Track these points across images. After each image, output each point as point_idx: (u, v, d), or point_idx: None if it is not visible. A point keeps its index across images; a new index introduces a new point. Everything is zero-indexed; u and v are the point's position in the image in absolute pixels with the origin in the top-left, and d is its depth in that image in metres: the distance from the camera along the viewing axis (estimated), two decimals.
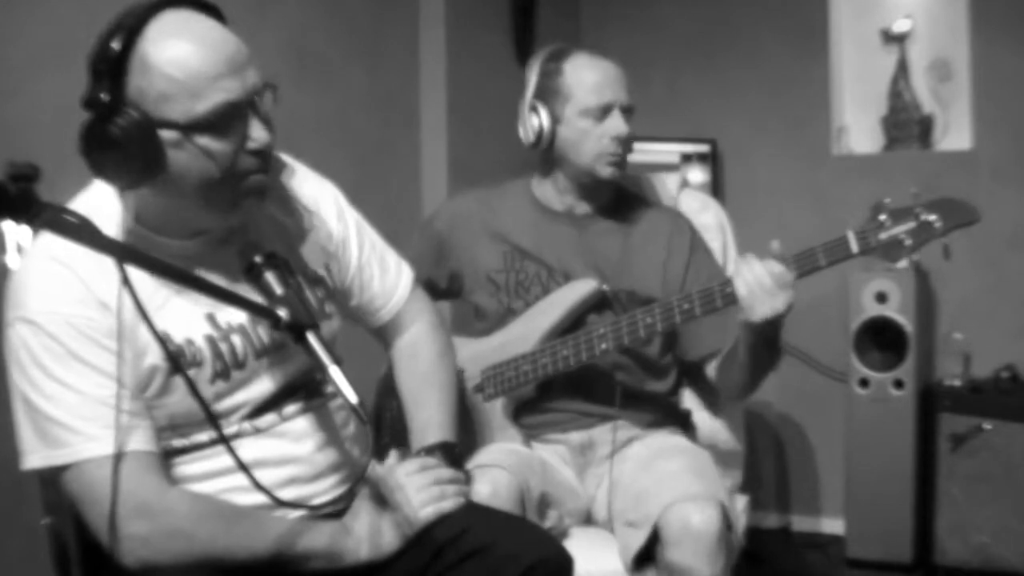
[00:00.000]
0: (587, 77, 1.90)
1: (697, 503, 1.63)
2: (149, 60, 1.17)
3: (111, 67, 1.16)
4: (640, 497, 1.73)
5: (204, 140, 1.19)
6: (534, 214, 2.01)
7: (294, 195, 1.46)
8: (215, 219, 1.29)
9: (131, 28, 1.17)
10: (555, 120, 1.92)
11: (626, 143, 1.91)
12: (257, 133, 1.22)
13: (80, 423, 1.19)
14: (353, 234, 1.53)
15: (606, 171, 1.92)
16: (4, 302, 1.25)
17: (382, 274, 1.58)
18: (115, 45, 1.16)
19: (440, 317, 1.69)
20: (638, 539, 1.67)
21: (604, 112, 1.89)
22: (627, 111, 1.91)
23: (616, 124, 1.89)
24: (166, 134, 1.17)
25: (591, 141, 1.90)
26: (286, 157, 1.49)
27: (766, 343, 1.73)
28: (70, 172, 1.27)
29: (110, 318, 1.21)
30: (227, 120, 1.19)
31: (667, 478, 1.73)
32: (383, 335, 1.65)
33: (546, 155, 1.97)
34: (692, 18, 3.69)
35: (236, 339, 1.32)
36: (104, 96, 1.16)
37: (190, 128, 1.18)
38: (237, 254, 1.31)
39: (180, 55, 1.17)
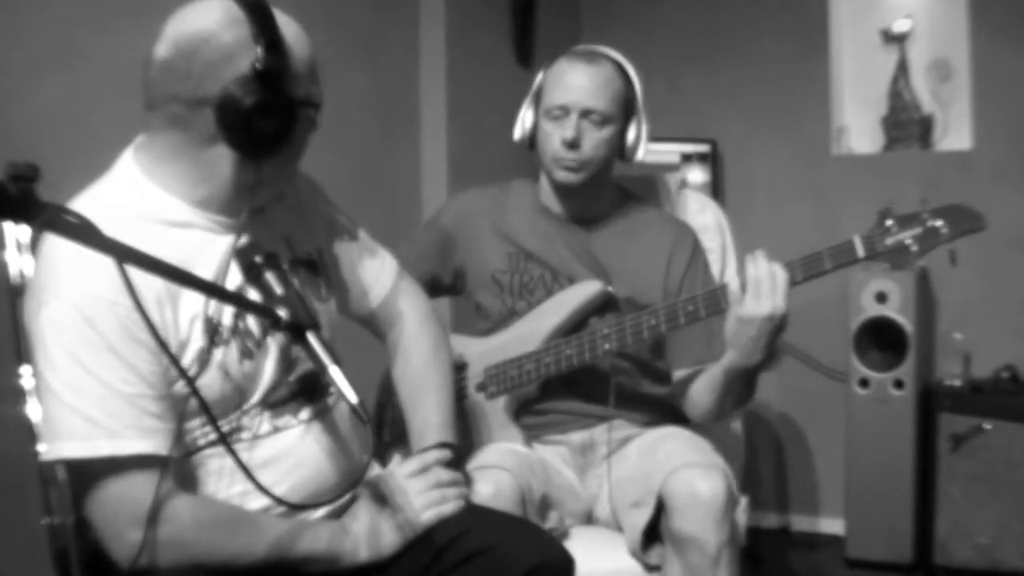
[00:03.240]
0: (556, 78, 1.91)
1: (701, 469, 1.64)
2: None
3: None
4: (643, 478, 1.73)
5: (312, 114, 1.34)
6: (540, 216, 2.01)
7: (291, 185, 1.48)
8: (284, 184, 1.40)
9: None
10: (535, 122, 1.94)
11: (575, 148, 1.87)
12: None
13: (102, 417, 1.17)
14: (331, 224, 1.54)
15: (558, 175, 1.91)
16: (31, 286, 1.23)
17: (364, 262, 1.59)
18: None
19: (431, 307, 1.69)
20: (644, 516, 1.67)
21: (562, 114, 1.88)
22: (588, 115, 1.87)
23: (562, 127, 1.87)
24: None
25: (547, 142, 1.91)
26: None
27: (750, 349, 1.69)
28: (70, 172, 1.27)
29: (152, 310, 1.18)
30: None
31: (668, 455, 1.73)
32: (373, 325, 1.65)
33: (533, 158, 1.99)
34: (692, 18, 3.69)
35: (251, 316, 1.32)
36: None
37: (313, 106, 1.34)
38: (237, 254, 1.31)
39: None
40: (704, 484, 1.61)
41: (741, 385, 1.79)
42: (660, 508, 1.66)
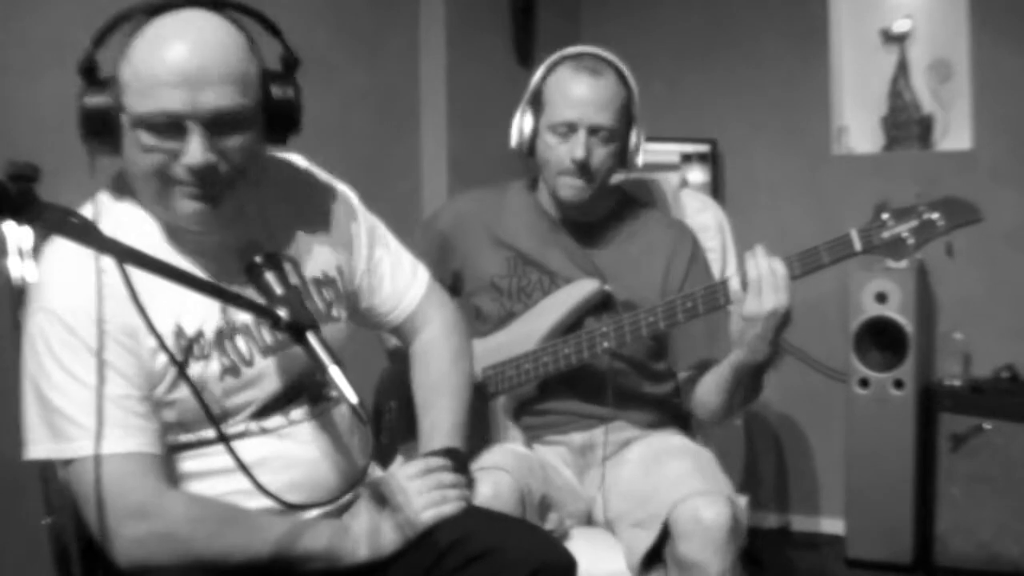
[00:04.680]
0: (560, 91, 1.86)
1: (707, 498, 1.63)
2: (130, 49, 1.21)
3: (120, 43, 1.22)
4: (646, 498, 1.72)
5: (144, 136, 1.21)
6: (537, 220, 2.00)
7: (305, 196, 1.46)
8: (172, 218, 1.29)
9: (146, 13, 1.22)
10: (535, 130, 1.90)
11: (584, 168, 1.85)
12: (194, 152, 1.21)
13: (88, 419, 1.19)
14: (363, 236, 1.53)
15: (565, 192, 1.88)
16: (26, 294, 1.23)
17: (394, 276, 1.57)
18: (127, 23, 1.22)
19: (458, 316, 1.67)
20: (646, 540, 1.67)
21: (569, 130, 1.85)
22: (596, 132, 1.84)
23: (574, 146, 1.84)
24: (125, 119, 1.22)
25: (551, 157, 1.87)
26: (299, 158, 1.50)
27: (755, 346, 1.69)
28: (70, 172, 1.27)
29: (132, 314, 1.19)
30: (163, 127, 1.20)
31: (674, 478, 1.72)
32: (400, 336, 1.65)
33: (529, 164, 1.96)
34: (692, 18, 3.69)
35: (241, 335, 1.33)
36: (91, 64, 1.23)
37: (135, 122, 1.21)
38: (237, 256, 1.31)
39: (144, 52, 1.21)
40: (709, 511, 1.61)
41: (749, 381, 1.78)
42: (664, 532, 1.66)
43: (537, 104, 1.91)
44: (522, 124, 1.92)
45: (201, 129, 1.20)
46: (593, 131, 1.84)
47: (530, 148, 1.92)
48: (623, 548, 1.73)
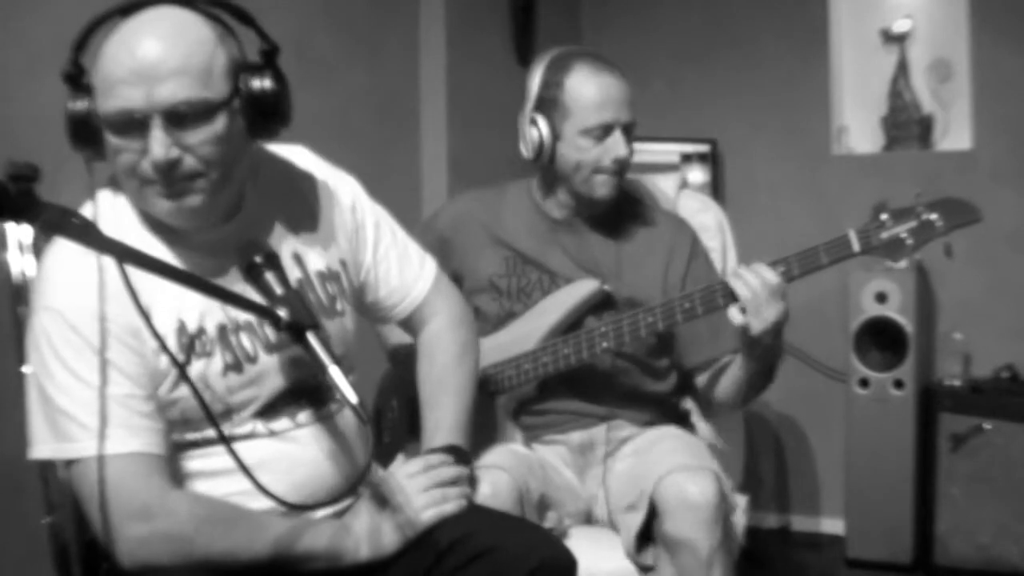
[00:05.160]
0: (588, 95, 1.86)
1: (691, 473, 1.65)
2: (100, 52, 1.21)
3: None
4: (635, 480, 1.74)
5: (111, 137, 1.21)
6: (536, 220, 2.00)
7: (307, 189, 1.46)
8: (159, 214, 1.27)
9: (120, 14, 1.22)
10: (555, 136, 1.89)
11: (625, 165, 1.89)
12: (153, 148, 1.19)
13: (92, 419, 1.19)
14: (369, 228, 1.52)
15: (601, 191, 1.89)
16: (31, 292, 1.26)
17: (401, 269, 1.57)
18: (104, 26, 1.21)
19: (465, 310, 1.67)
20: (637, 519, 1.68)
21: (605, 132, 1.86)
22: (628, 129, 1.88)
23: (616, 146, 1.86)
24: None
25: (589, 161, 1.87)
26: (304, 151, 1.49)
27: (765, 354, 1.74)
28: (70, 172, 1.27)
29: (135, 313, 1.19)
30: (126, 126, 1.20)
31: (660, 457, 1.74)
32: (407, 328, 1.65)
33: (546, 170, 1.95)
34: (692, 18, 3.69)
35: (245, 331, 1.32)
36: (74, 70, 1.22)
37: (103, 124, 1.20)
38: (236, 253, 1.31)
39: (108, 52, 1.20)
40: (694, 487, 1.62)
41: (763, 380, 1.85)
42: (653, 510, 1.66)
43: (551, 110, 1.89)
44: (540, 134, 1.89)
45: (162, 123, 1.19)
46: (626, 128, 1.87)
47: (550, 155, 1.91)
48: (620, 532, 1.74)
